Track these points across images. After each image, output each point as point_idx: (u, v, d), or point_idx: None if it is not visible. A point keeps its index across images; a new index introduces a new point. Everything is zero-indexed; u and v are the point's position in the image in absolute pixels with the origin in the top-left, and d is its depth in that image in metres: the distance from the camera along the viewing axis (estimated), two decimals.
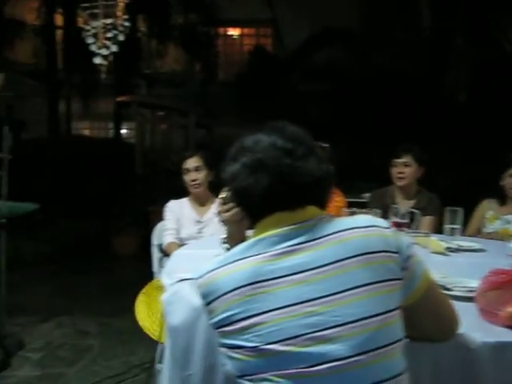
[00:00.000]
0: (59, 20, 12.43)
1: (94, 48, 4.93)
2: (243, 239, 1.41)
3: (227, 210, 1.36)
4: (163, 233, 3.14)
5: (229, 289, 1.17)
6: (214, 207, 3.24)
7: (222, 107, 11.82)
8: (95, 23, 5.00)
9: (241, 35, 16.64)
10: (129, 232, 6.65)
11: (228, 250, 1.45)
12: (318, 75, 11.40)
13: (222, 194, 1.38)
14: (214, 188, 3.26)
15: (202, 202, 3.29)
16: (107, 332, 4.07)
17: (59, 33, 12.51)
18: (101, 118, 15.04)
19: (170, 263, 2.03)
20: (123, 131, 13.85)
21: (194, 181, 3.19)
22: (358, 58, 11.43)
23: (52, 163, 9.44)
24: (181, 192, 3.45)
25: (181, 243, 3.09)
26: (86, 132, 15.61)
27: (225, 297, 1.17)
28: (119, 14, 5.12)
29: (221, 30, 14.60)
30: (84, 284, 5.42)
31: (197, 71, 13.11)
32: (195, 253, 2.12)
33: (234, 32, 16.46)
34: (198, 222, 3.22)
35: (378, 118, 9.87)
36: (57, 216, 8.14)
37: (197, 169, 3.18)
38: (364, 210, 2.77)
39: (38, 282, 5.32)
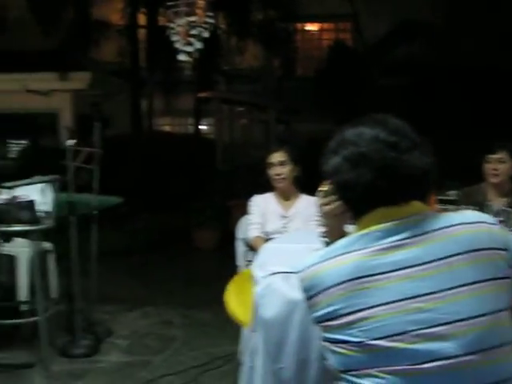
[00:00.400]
0: (142, 20, 12.83)
1: (178, 45, 5.03)
2: (343, 233, 1.39)
3: (328, 203, 1.35)
4: (248, 227, 3.16)
5: (332, 283, 1.16)
6: (300, 202, 3.24)
7: (300, 102, 11.78)
8: (180, 21, 5.11)
9: (319, 30, 16.52)
10: (209, 226, 6.77)
11: (327, 244, 1.43)
12: (399, 69, 11.13)
13: (323, 187, 1.36)
14: (298, 182, 3.26)
15: (286, 197, 3.29)
16: (190, 323, 4.15)
17: (142, 32, 12.91)
18: (181, 114, 15.38)
19: (260, 256, 2.04)
20: (203, 127, 14.11)
21: (278, 175, 3.19)
22: (440, 52, 11.08)
23: (135, 158, 9.74)
24: (261, 187, 3.47)
25: (266, 237, 3.10)
26: (167, 128, 16.00)
27: (328, 291, 1.16)
28: (201, 11, 5.21)
29: (299, 26, 14.54)
30: (166, 276, 5.57)
31: (275, 67, 13.13)
32: (286, 247, 2.12)
33: (312, 27, 16.35)
34: (283, 216, 3.22)
35: (463, 114, 9.53)
36: (139, 210, 8.39)
37: (282, 163, 3.19)
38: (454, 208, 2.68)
39: (123, 273, 5.50)
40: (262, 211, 3.23)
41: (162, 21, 12.47)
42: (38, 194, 3.16)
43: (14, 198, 3.02)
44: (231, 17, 11.60)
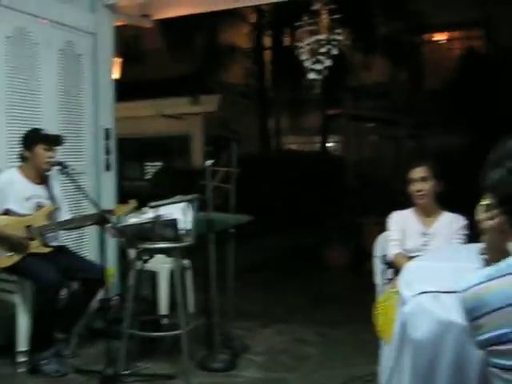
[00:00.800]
0: (267, 42, 13.18)
1: (307, 64, 5.08)
2: (504, 251, 1.31)
3: (490, 218, 1.28)
4: (388, 244, 3.08)
5: (500, 305, 1.09)
6: (442, 219, 3.11)
7: (431, 116, 11.39)
8: (308, 39, 5.16)
9: (448, 39, 15.92)
10: (340, 244, 6.72)
11: (487, 261, 1.36)
12: None
13: (484, 201, 1.30)
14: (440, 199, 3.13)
15: (427, 214, 3.17)
16: (325, 341, 4.12)
17: (267, 54, 13.25)
18: (307, 133, 15.51)
19: (406, 274, 1.98)
20: (329, 144, 14.12)
21: (419, 191, 3.09)
22: None
23: (263, 177, 9.93)
24: (393, 203, 3.38)
25: (406, 255, 3.01)
26: (294, 146, 16.19)
27: (496, 313, 1.09)
28: (327, 29, 5.23)
29: (426, 36, 14.11)
30: (298, 293, 5.58)
31: (402, 80, 12.84)
32: (433, 265, 2.04)
33: (440, 37, 15.79)
34: (424, 233, 3.11)
35: None
36: (269, 228, 8.53)
37: (423, 179, 3.08)
38: None
39: (255, 289, 5.59)
40: (402, 228, 3.14)
41: (286, 41, 12.78)
42: (180, 213, 3.32)
43: (159, 216, 3.19)
44: (356, 32, 11.52)
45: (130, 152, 11.78)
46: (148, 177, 14.61)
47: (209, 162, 3.49)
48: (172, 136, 14.60)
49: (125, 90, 5.04)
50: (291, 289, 5.78)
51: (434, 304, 1.61)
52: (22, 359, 3.53)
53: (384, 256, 3.13)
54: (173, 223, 3.23)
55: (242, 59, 13.03)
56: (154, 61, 14.39)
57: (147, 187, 12.03)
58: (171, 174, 11.97)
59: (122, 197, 4.88)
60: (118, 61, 5.70)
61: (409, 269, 1.97)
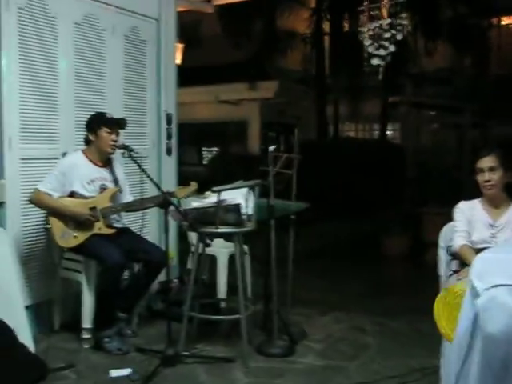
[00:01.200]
0: (327, 27, 13.00)
1: (371, 49, 4.98)
2: None
3: None
4: (454, 235, 3.00)
5: None
6: (510, 211, 3.00)
7: (497, 103, 10.97)
8: (372, 24, 5.06)
9: None
10: (399, 233, 6.61)
11: None
12: None
13: None
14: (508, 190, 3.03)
15: (496, 205, 3.06)
16: (383, 331, 4.07)
17: (327, 39, 13.08)
18: (366, 120, 15.28)
19: (477, 266, 1.91)
20: (389, 132, 13.88)
21: (487, 181, 2.99)
22: None
23: (321, 164, 9.85)
24: (454, 194, 3.28)
25: (472, 247, 2.92)
26: (352, 134, 15.99)
27: None
28: (389, 13, 5.11)
29: (494, 20, 13.55)
30: (356, 281, 5.54)
31: (466, 67, 12.43)
32: (506, 257, 1.97)
33: (508, 21, 15.13)
34: (492, 225, 3.00)
35: None
36: (326, 215, 8.47)
37: (491, 169, 2.98)
38: None
39: (312, 276, 5.57)
40: (468, 219, 3.04)
41: (346, 27, 12.59)
42: (242, 198, 3.33)
43: (222, 201, 3.22)
44: (418, 16, 11.20)
45: (187, 137, 11.90)
46: (205, 162, 14.77)
47: (271, 148, 3.49)
48: (229, 122, 14.70)
49: (183, 76, 5.09)
50: (349, 277, 5.74)
51: (510, 298, 1.56)
52: (86, 336, 3.65)
53: (449, 247, 3.05)
54: (236, 208, 3.25)
55: (300, 45, 12.90)
56: (211, 47, 14.45)
57: (204, 172, 12.18)
58: (228, 160, 12.07)
59: (180, 181, 4.96)
60: (179, 46, 5.75)
61: (480, 260, 1.91)
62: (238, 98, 14.02)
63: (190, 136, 13.27)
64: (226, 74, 13.19)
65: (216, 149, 15.39)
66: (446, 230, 3.16)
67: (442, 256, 3.13)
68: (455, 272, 2.95)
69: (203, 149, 15.80)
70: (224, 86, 13.60)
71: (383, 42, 4.91)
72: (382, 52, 4.88)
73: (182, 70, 5.11)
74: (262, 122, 13.94)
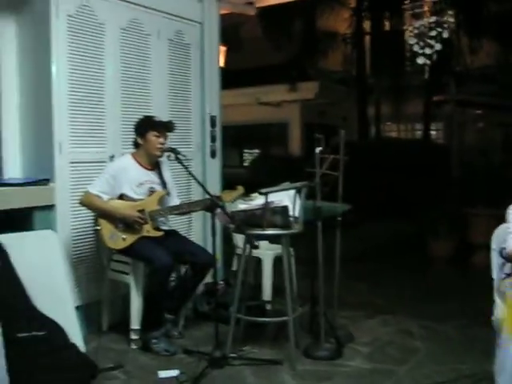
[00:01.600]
0: (368, 26, 12.87)
1: (416, 48, 4.90)
2: None
3: None
4: (507, 236, 2.91)
5: None
6: None
7: None
8: (418, 22, 4.97)
9: None
10: (444, 235, 6.48)
11: None
12: None
13: None
14: None
15: None
16: (431, 336, 3.99)
17: (367, 39, 12.96)
18: (407, 120, 15.07)
19: None
20: (432, 132, 13.65)
21: None
22: None
23: (363, 165, 9.74)
24: (502, 194, 3.19)
25: None
26: (394, 134, 15.80)
27: None
28: (430, 12, 5.02)
29: None
30: (401, 284, 5.46)
31: None
32: None
33: None
34: None
35: None
36: (369, 217, 8.37)
37: None
38: None
39: (357, 279, 5.51)
40: None
41: (387, 26, 12.44)
42: (288, 200, 3.32)
43: (269, 203, 3.21)
44: (463, 13, 10.98)
45: (228, 139, 11.97)
46: (246, 164, 14.80)
47: (318, 149, 3.47)
48: (270, 123, 14.70)
49: (224, 78, 5.12)
50: (394, 280, 5.66)
51: None
52: (134, 337, 3.70)
53: (502, 249, 2.96)
54: (283, 210, 3.25)
55: (340, 45, 12.83)
56: (251, 49, 14.49)
57: (245, 174, 12.19)
58: (269, 162, 12.05)
59: (222, 184, 4.98)
60: (223, 49, 5.77)
61: None
62: (278, 99, 14.03)
63: (231, 138, 13.32)
64: (267, 75, 13.21)
65: (257, 151, 15.41)
66: (498, 232, 3.07)
67: (495, 259, 3.03)
68: (508, 275, 2.87)
69: (244, 151, 15.86)
70: (265, 87, 13.63)
71: (429, 41, 4.82)
72: (427, 50, 4.80)
73: (223, 72, 5.14)
74: (303, 123, 13.90)
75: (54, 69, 3.74)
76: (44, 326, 2.97)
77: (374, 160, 9.86)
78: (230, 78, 7.01)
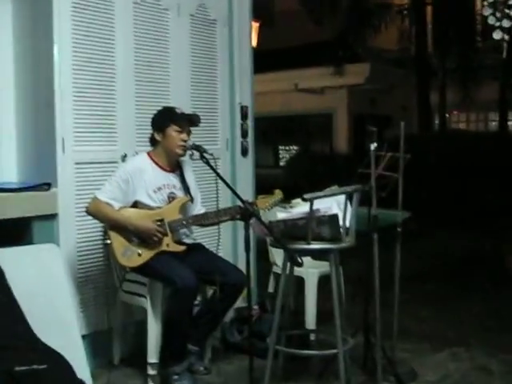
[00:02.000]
0: None
1: (491, 21, 4.83)
2: None
3: None
4: None
5: None
6: None
7: None
8: None
9: None
10: None
11: None
12: None
13: None
14: None
15: None
16: None
17: (429, 11, 12.85)
18: (480, 108, 14.88)
19: None
20: (509, 123, 13.47)
21: None
22: None
23: (425, 164, 9.66)
24: None
25: None
26: (463, 125, 15.63)
27: None
28: None
29: None
30: (475, 310, 5.38)
31: None
32: None
33: None
34: None
35: None
36: (432, 226, 8.28)
37: None
38: None
39: (419, 303, 5.45)
40: None
41: None
42: (338, 207, 3.29)
43: (315, 211, 3.19)
44: None
45: (260, 134, 11.99)
46: (282, 164, 14.83)
47: (373, 146, 3.44)
48: (310, 114, 14.69)
49: (255, 60, 5.11)
50: (467, 304, 5.56)
51: None
52: (152, 372, 3.71)
53: None
54: (332, 220, 3.22)
55: (396, 18, 12.75)
56: (287, 24, 14.51)
57: (282, 176, 12.21)
58: (310, 161, 12.05)
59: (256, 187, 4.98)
60: (255, 25, 5.77)
61: None
62: (320, 85, 14.00)
63: (263, 132, 13.35)
64: (306, 56, 13.20)
65: (295, 147, 15.41)
66: None
67: None
68: None
69: (280, 148, 15.88)
70: (304, 71, 13.63)
71: (507, 11, 4.75)
72: (505, 23, 4.73)
73: (254, 53, 5.14)
74: (351, 113, 13.84)
75: (55, 51, 3.78)
76: (46, 358, 2.98)
77: (438, 158, 9.77)
78: (263, 60, 7.02)
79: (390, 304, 3.85)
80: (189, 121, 3.74)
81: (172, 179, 3.81)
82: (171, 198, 3.76)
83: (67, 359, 3.10)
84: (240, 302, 3.91)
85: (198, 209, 3.90)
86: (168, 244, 3.68)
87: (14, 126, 4.05)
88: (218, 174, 3.47)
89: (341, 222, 3.30)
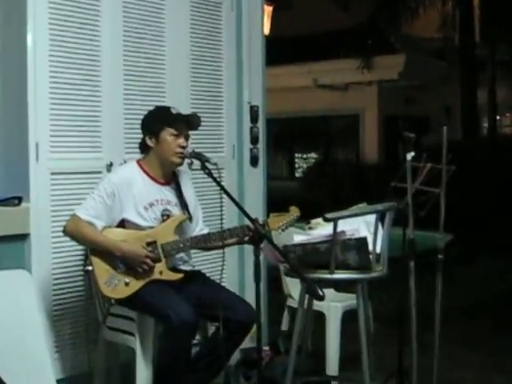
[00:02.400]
0: None
1: None
2: None
3: None
4: None
5: None
6: None
7: None
8: None
9: None
10: None
11: None
12: None
13: None
14: None
15: None
16: None
17: None
18: None
19: None
20: None
21: None
22: None
23: (471, 176, 9.64)
24: None
25: None
26: None
27: None
28: None
29: None
30: None
31: None
32: None
33: None
34: None
35: None
36: (480, 251, 8.24)
37: None
38: None
39: (464, 345, 5.43)
40: None
41: None
42: (366, 229, 3.29)
43: (339, 233, 3.18)
44: None
45: (273, 139, 12.00)
46: (299, 175, 14.84)
47: (410, 154, 3.44)
48: (333, 115, 14.71)
49: (267, 51, 5.11)
50: None
51: None
52: None
53: None
54: (360, 244, 3.21)
55: (437, 1, 12.77)
56: (306, 8, 14.57)
57: (299, 189, 12.21)
58: (333, 171, 12.05)
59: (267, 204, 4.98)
60: (267, 10, 5.79)
61: None
62: (345, 80, 14.02)
63: (277, 137, 13.37)
64: (329, 46, 13.22)
65: (314, 155, 15.43)
66: None
67: None
68: None
69: (296, 155, 15.90)
70: (325, 63, 13.66)
71: None
72: None
73: (267, 42, 5.15)
74: (382, 114, 13.84)
75: (29, 41, 3.80)
76: None
77: (487, 167, 9.75)
78: (277, 51, 7.03)
79: (429, 346, 3.83)
80: (187, 123, 3.74)
81: (166, 193, 3.80)
82: (165, 215, 3.75)
83: None
84: (247, 342, 3.88)
85: (200, 229, 3.90)
86: (161, 271, 3.66)
87: None
88: (222, 188, 3.47)
89: (370, 247, 3.29)
